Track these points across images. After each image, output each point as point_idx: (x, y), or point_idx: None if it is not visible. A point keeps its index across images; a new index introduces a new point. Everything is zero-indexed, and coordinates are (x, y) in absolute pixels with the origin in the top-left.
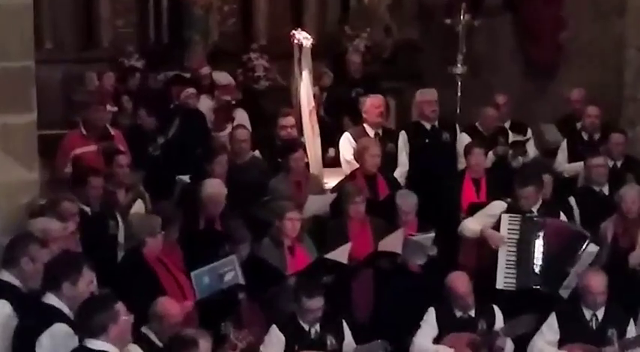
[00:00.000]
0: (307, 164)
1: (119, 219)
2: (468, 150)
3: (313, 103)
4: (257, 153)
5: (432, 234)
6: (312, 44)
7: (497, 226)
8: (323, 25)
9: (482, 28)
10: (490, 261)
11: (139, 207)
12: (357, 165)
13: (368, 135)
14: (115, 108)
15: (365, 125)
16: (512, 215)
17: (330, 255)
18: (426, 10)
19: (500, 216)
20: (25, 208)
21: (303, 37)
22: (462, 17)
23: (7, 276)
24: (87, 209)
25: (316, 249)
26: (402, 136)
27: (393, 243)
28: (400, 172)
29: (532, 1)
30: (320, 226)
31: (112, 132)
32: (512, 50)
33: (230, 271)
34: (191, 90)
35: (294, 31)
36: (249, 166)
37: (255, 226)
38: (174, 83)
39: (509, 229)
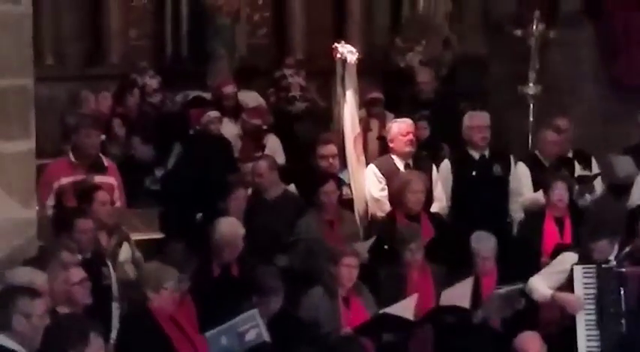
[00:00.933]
0: (351, 200)
1: (110, 266)
2: (549, 184)
3: (359, 129)
4: (292, 187)
5: (521, 286)
6: (357, 59)
7: (570, 279)
8: (370, 37)
9: (559, 40)
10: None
11: (126, 251)
12: (386, 203)
13: (396, 166)
14: (103, 136)
15: (392, 155)
16: (586, 266)
17: (392, 310)
18: (492, 20)
19: (571, 269)
20: (21, 251)
21: (347, 51)
22: (534, 28)
23: (2, 339)
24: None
25: None
26: (442, 168)
27: (458, 294)
28: (436, 209)
29: (619, 8)
30: (369, 275)
31: (106, 162)
32: (593, 66)
33: (252, 328)
34: (213, 113)
35: (336, 44)
36: (280, 203)
37: (285, 274)
38: (192, 105)
39: (584, 283)
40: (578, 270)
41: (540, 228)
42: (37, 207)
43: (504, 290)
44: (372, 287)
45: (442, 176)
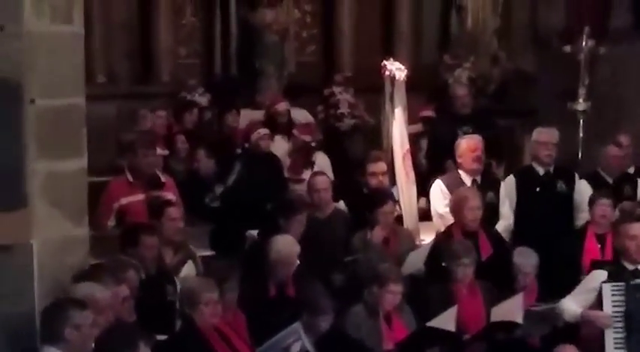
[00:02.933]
0: (400, 217)
1: (177, 283)
2: (592, 200)
3: (407, 145)
4: (341, 204)
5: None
6: (406, 76)
7: (599, 297)
8: (419, 54)
9: (609, 56)
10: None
11: (189, 269)
12: (452, 219)
13: (463, 183)
14: (166, 152)
15: (460, 171)
16: (614, 284)
17: (433, 322)
18: (541, 36)
19: (600, 287)
20: (73, 268)
21: (396, 68)
22: (584, 44)
23: None
24: (142, 273)
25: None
26: (508, 183)
27: (510, 310)
28: (502, 227)
29: None
30: (418, 290)
31: (163, 178)
32: None
33: (296, 341)
34: (263, 130)
35: (385, 62)
36: (331, 220)
37: (338, 293)
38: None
39: (613, 301)
40: (607, 288)
41: (581, 244)
42: (88, 226)
43: (541, 308)
44: (420, 301)
45: (506, 191)
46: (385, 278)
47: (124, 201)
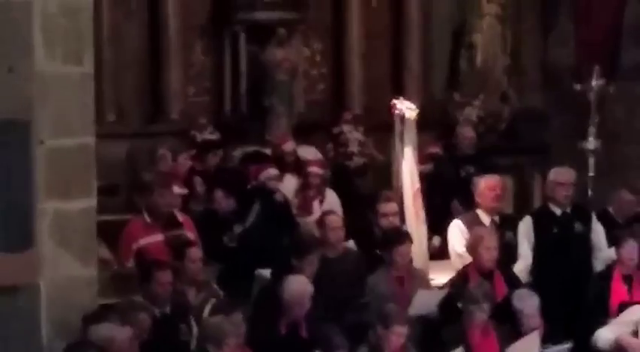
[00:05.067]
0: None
1: (192, 322)
2: (620, 241)
3: (418, 185)
4: (351, 243)
5: (568, 346)
6: (416, 115)
7: (636, 332)
8: (428, 92)
9: (619, 94)
10: None
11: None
12: (470, 259)
13: (482, 222)
14: (186, 191)
15: (478, 211)
16: None
17: None
18: (551, 74)
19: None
20: (80, 309)
21: (406, 108)
22: (594, 82)
23: None
24: (155, 310)
25: None
26: (525, 224)
27: (525, 349)
28: (522, 267)
29: None
30: (429, 331)
31: (181, 218)
32: None
33: None
34: (273, 171)
35: (395, 101)
36: (342, 260)
37: (351, 333)
38: (251, 160)
39: None
40: None
41: (608, 286)
42: (96, 265)
43: (550, 350)
44: (433, 344)
45: (524, 232)
46: (390, 319)
47: (142, 241)
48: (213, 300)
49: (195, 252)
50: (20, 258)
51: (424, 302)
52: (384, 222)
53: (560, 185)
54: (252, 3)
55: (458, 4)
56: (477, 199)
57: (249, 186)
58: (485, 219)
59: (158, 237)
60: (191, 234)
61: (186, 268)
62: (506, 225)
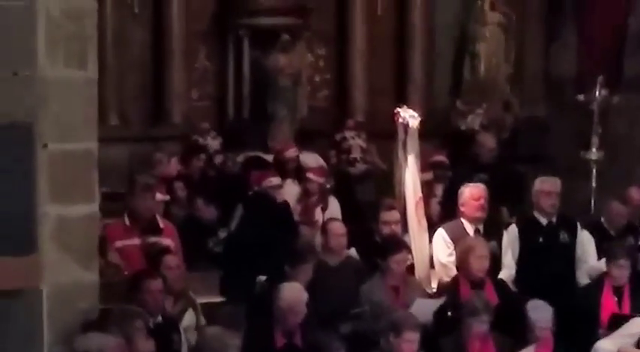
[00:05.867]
0: (412, 265)
1: (182, 332)
2: (613, 255)
3: (420, 193)
4: (353, 251)
5: None
6: (419, 123)
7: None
8: (431, 99)
9: (622, 105)
10: None
11: (189, 318)
12: (454, 269)
13: (466, 231)
14: (167, 197)
15: (462, 220)
16: None
17: None
18: (554, 84)
19: None
20: (83, 313)
21: (409, 116)
22: (597, 93)
23: None
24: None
25: None
26: (510, 233)
27: None
28: (505, 276)
29: None
30: (427, 340)
31: (162, 224)
32: None
33: None
34: (275, 180)
35: (398, 109)
36: (342, 268)
37: (347, 341)
38: (253, 166)
39: None
40: None
41: (598, 297)
42: (98, 270)
43: None
44: None
45: (509, 241)
46: (401, 326)
47: (118, 244)
48: (190, 310)
49: (172, 260)
50: (22, 262)
51: (422, 311)
52: (386, 230)
53: (546, 194)
54: (256, 9)
55: (462, 12)
56: (461, 208)
57: (250, 193)
58: (470, 228)
59: (135, 241)
60: (171, 241)
61: (164, 276)
62: (490, 234)
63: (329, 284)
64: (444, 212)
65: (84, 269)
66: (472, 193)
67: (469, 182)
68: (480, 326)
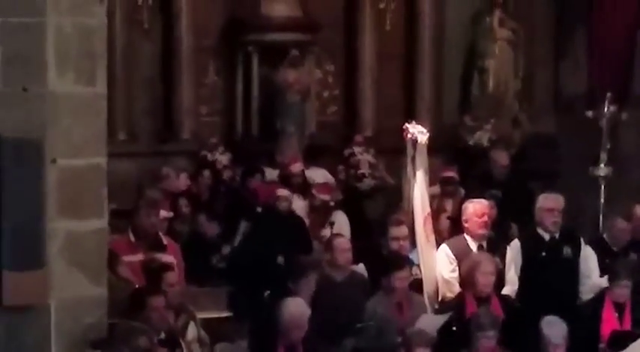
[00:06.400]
0: (420, 280)
1: (184, 348)
2: (615, 272)
3: (429, 209)
4: (361, 267)
5: None
6: (428, 139)
7: None
8: (439, 115)
9: (631, 121)
10: None
11: (192, 331)
12: (456, 284)
13: (469, 248)
14: (171, 214)
15: (466, 236)
16: None
17: None
18: (563, 100)
19: None
20: (91, 328)
21: (418, 132)
22: (606, 109)
23: None
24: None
25: None
26: (512, 249)
27: None
28: (508, 292)
29: None
30: None
31: (165, 241)
32: None
33: None
34: (283, 191)
35: (407, 124)
36: (347, 283)
37: None
38: (249, 174)
39: None
40: None
41: (599, 313)
42: (106, 286)
43: None
44: None
45: (512, 257)
46: (412, 343)
47: (124, 260)
48: (192, 323)
49: (172, 276)
50: (31, 277)
51: (428, 327)
52: (394, 246)
53: (548, 211)
54: (265, 24)
55: (470, 28)
56: (465, 224)
57: (259, 209)
58: (473, 245)
59: (139, 257)
60: (173, 258)
61: (164, 292)
62: (492, 250)
63: (334, 299)
64: (454, 228)
65: (93, 285)
66: (475, 210)
67: (481, 197)
68: (487, 341)
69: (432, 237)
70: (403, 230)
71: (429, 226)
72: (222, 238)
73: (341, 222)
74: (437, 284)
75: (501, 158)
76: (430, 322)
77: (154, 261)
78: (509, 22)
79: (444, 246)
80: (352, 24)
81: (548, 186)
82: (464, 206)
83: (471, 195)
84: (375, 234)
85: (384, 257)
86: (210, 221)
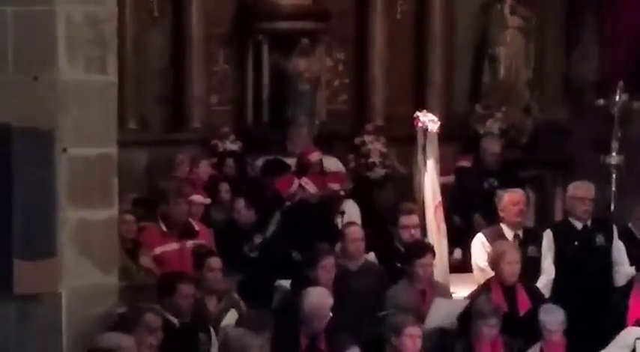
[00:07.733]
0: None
1: (212, 332)
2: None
3: (440, 198)
4: (371, 255)
5: None
6: (438, 127)
7: None
8: (450, 104)
9: None
10: None
11: (231, 317)
12: (492, 273)
13: (505, 236)
14: (209, 200)
15: (502, 225)
16: None
17: None
18: (574, 88)
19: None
20: (102, 317)
21: (429, 120)
22: (617, 97)
23: None
24: (174, 320)
25: None
26: (547, 237)
27: None
28: (545, 281)
29: None
30: (444, 344)
31: (197, 227)
32: None
33: None
34: (311, 187)
35: (417, 113)
36: (362, 272)
37: (371, 345)
38: (272, 170)
39: None
40: None
41: (627, 301)
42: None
43: None
44: None
45: (547, 246)
46: (400, 325)
47: (158, 250)
48: (232, 310)
49: (216, 261)
50: (42, 266)
51: (441, 313)
52: (406, 235)
53: (580, 200)
54: (275, 12)
55: (481, 16)
56: (501, 214)
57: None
58: (509, 233)
59: (174, 246)
60: (207, 243)
61: (205, 277)
62: (529, 239)
63: (350, 289)
64: (454, 217)
65: (103, 273)
66: (511, 198)
67: (477, 188)
68: (489, 329)
69: (443, 226)
70: (414, 219)
71: (440, 215)
72: (256, 227)
73: (352, 211)
74: (448, 272)
75: (493, 146)
76: (445, 307)
77: (200, 246)
78: (521, 9)
79: (479, 235)
80: (363, 12)
81: (559, 174)
82: (499, 195)
83: (469, 185)
84: (386, 223)
85: (404, 245)
86: (249, 208)
